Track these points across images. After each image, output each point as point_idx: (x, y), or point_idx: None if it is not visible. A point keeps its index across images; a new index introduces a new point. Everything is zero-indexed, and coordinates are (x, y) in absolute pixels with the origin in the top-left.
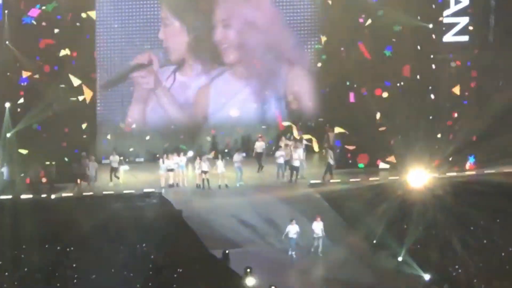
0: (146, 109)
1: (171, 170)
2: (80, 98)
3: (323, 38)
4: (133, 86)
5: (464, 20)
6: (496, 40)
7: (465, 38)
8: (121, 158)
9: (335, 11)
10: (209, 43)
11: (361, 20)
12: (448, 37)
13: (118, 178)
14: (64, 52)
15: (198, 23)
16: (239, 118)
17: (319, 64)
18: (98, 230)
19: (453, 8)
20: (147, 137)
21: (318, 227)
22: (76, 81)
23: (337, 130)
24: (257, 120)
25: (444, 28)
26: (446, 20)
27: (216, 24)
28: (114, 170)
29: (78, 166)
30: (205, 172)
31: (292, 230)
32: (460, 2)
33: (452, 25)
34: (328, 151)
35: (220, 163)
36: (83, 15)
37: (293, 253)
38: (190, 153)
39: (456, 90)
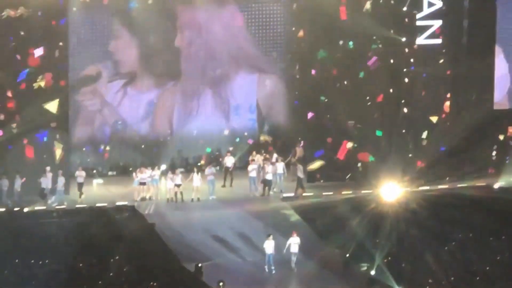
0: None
1: (144, 183)
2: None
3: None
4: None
5: (437, 23)
6: (470, 42)
7: (438, 41)
8: (94, 171)
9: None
10: (164, 55)
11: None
12: (421, 40)
13: (81, 194)
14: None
15: (151, 35)
16: (207, 132)
17: (297, 76)
18: (70, 243)
19: (426, 11)
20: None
21: (294, 242)
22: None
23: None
24: (227, 134)
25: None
26: (419, 23)
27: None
28: (80, 186)
29: (44, 180)
30: (179, 186)
31: (269, 245)
32: (434, 4)
33: (425, 27)
34: (298, 165)
35: (196, 177)
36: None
37: (273, 268)
38: (163, 167)
39: (429, 102)
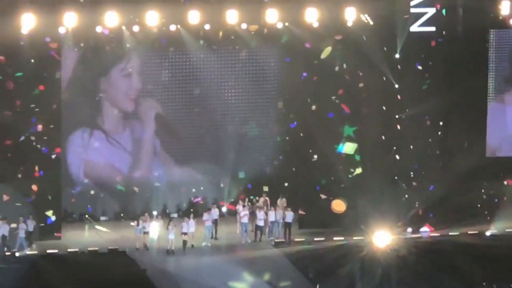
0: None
1: (147, 232)
2: None
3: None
4: None
5: (431, 11)
6: (464, 33)
7: (431, 28)
8: (86, 216)
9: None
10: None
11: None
12: (414, 28)
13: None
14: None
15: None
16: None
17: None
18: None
19: None
20: (101, 195)
21: None
22: None
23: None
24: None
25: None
26: (413, 10)
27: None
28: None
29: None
30: (185, 234)
31: None
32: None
33: (419, 15)
34: (287, 211)
35: (191, 223)
36: None
37: None
38: (175, 215)
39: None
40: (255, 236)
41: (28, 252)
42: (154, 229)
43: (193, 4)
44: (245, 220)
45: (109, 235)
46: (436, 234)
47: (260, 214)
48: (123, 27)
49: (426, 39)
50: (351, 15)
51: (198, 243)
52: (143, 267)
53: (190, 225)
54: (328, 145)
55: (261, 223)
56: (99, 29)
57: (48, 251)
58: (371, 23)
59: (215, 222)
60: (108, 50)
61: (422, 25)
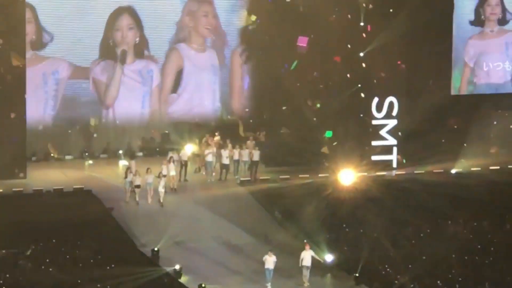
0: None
1: (138, 186)
2: None
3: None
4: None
5: None
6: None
7: None
8: (52, 155)
9: None
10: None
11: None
12: None
13: None
14: None
15: None
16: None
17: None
18: (25, 226)
19: None
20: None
21: (307, 255)
22: None
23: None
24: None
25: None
26: None
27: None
28: None
29: None
30: (164, 176)
31: (270, 261)
32: None
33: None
34: (254, 150)
35: (172, 166)
36: None
37: (269, 284)
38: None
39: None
40: (220, 175)
41: None
42: (147, 182)
43: None
44: (209, 158)
45: (74, 174)
46: (401, 172)
47: (225, 153)
48: None
49: None
50: None
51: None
52: (108, 206)
53: (170, 169)
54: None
55: (226, 161)
56: None
57: (14, 189)
58: None
59: (185, 164)
60: None
61: None
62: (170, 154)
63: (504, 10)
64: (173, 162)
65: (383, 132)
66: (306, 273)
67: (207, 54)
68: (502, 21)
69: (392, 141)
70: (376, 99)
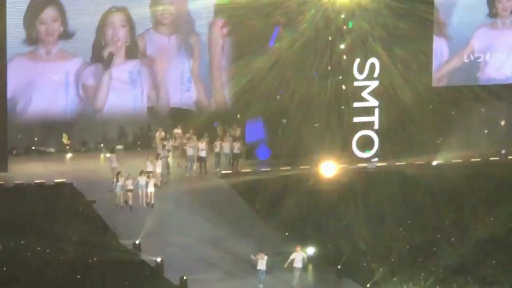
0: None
1: (131, 191)
2: None
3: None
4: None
5: None
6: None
7: None
8: (33, 148)
9: None
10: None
11: None
12: None
13: None
14: None
15: None
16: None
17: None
18: (7, 220)
19: None
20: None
21: (298, 257)
22: None
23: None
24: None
25: None
26: None
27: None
28: None
29: None
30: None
31: (262, 262)
32: None
33: None
34: (235, 143)
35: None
36: None
37: (261, 285)
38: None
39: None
40: (200, 168)
41: None
42: (140, 185)
43: None
44: (190, 152)
45: (56, 167)
46: (383, 164)
47: (202, 145)
48: None
49: None
50: None
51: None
52: (90, 199)
53: (157, 165)
54: None
55: (203, 153)
56: None
57: None
58: None
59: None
60: None
61: None
62: (159, 151)
63: None
64: (161, 159)
65: (364, 94)
66: (297, 275)
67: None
68: None
69: (373, 102)
70: (357, 60)
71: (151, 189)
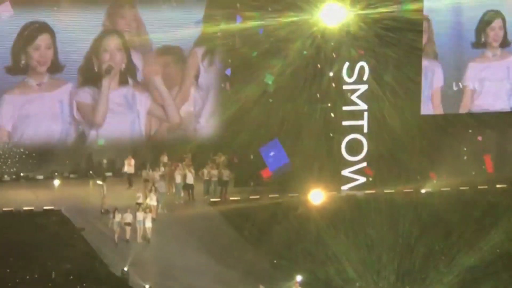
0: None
1: (129, 224)
2: None
3: None
4: None
5: None
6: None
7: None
8: (21, 174)
9: None
10: None
11: None
12: None
13: None
14: None
15: None
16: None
17: None
18: None
19: None
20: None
21: None
22: None
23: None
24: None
25: None
26: None
27: None
28: None
29: None
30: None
31: None
32: None
33: None
34: (224, 170)
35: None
36: None
37: None
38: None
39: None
40: (189, 195)
41: None
42: (138, 220)
43: None
44: (178, 180)
45: (45, 195)
46: (371, 191)
47: (190, 173)
48: None
49: None
50: None
51: None
52: (79, 226)
53: (151, 198)
54: None
55: (190, 181)
56: None
57: None
58: None
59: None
60: None
61: None
62: (151, 183)
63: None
64: (154, 191)
65: (354, 97)
66: None
67: None
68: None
69: (363, 106)
70: (347, 64)
71: (148, 224)
